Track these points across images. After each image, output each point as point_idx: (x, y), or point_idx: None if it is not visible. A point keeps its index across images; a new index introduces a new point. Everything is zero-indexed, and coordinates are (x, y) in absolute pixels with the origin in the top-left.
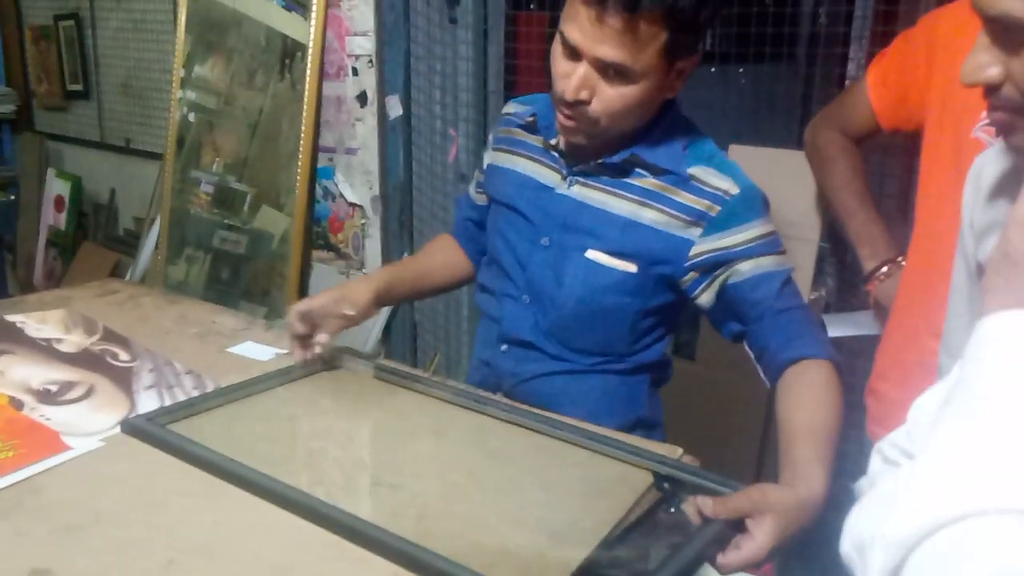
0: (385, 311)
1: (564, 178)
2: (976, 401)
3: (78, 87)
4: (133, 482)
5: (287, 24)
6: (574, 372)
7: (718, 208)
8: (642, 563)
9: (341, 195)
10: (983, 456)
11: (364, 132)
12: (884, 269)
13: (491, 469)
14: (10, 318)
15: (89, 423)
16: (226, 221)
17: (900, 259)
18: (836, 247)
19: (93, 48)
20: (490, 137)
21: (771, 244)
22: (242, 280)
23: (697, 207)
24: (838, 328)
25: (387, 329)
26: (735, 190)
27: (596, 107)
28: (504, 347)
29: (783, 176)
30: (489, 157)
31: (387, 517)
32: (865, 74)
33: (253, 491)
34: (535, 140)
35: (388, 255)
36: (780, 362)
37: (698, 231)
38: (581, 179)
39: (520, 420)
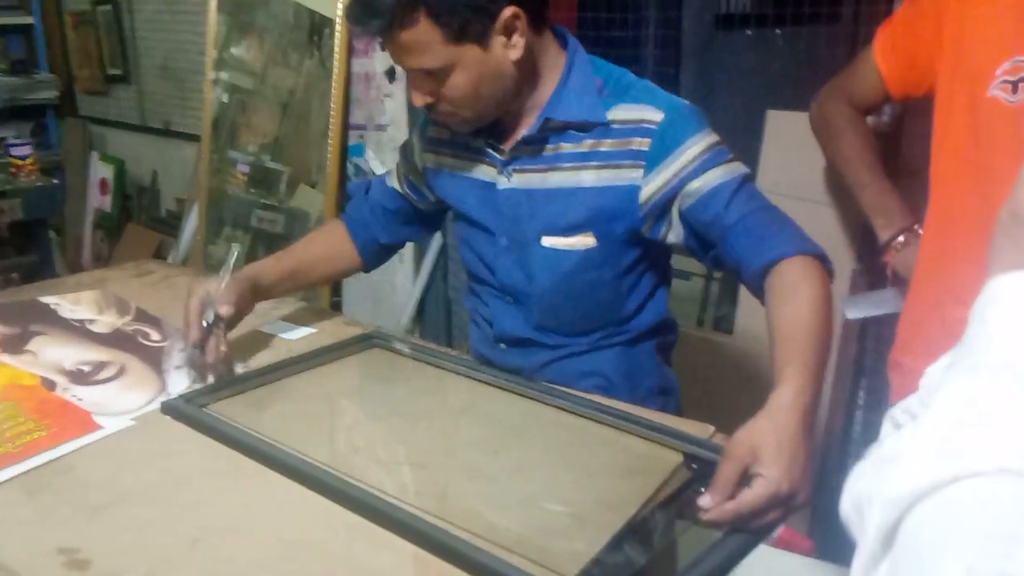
0: (418, 287)
1: (500, 171)
2: (978, 362)
3: (118, 71)
4: (160, 461)
5: (314, 0)
6: (577, 354)
7: (648, 140)
8: (670, 546)
9: (372, 172)
10: (981, 417)
11: (393, 108)
12: (900, 238)
13: (516, 448)
14: (44, 299)
15: (120, 403)
16: (263, 201)
17: (917, 227)
18: None
19: (131, 32)
20: (413, 138)
21: (714, 156)
22: None
23: (629, 148)
24: (859, 309)
25: (421, 306)
26: (659, 116)
27: (443, 103)
28: (502, 346)
29: None
30: (421, 160)
31: (411, 497)
32: (872, 43)
33: (284, 472)
34: (469, 138)
35: None
36: (755, 273)
37: (639, 172)
38: (516, 166)
39: (547, 398)
